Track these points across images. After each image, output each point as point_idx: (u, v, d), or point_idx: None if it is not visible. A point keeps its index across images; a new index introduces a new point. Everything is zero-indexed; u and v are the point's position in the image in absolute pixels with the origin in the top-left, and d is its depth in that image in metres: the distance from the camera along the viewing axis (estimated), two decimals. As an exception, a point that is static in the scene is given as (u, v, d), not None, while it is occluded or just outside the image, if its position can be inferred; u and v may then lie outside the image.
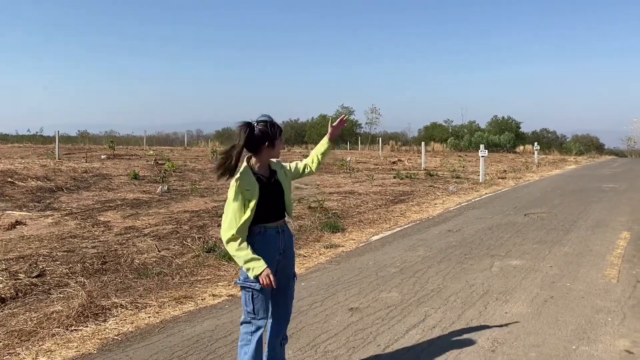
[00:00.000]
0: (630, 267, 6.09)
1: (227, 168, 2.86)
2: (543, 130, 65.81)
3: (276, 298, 3.12)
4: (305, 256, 6.89)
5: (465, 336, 4.10)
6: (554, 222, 9.26)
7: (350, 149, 48.55)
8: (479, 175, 19.07)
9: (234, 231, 2.85)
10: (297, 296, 5.04)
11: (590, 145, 58.24)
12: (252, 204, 2.88)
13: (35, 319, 4.57)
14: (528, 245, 7.30)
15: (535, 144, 29.77)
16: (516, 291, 5.23)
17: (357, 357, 3.73)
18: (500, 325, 4.30)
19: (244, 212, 2.89)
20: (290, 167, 3.24)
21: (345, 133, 57.64)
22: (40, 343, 4.03)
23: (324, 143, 3.29)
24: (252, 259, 2.85)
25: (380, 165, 27.43)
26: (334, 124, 3.26)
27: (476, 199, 12.92)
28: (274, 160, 3.10)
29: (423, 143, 27.40)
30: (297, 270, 6.49)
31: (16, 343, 4.03)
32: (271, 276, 2.83)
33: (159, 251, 7.57)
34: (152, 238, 8.48)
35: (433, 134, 60.19)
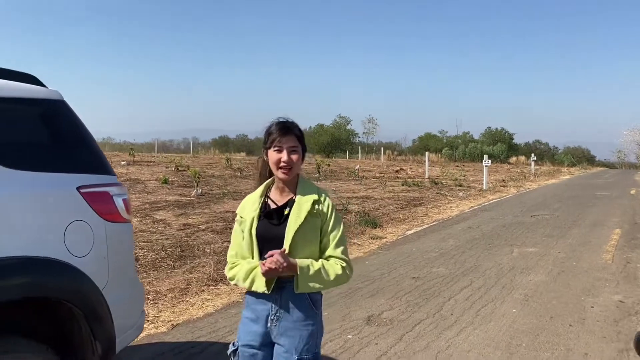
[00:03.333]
0: (621, 253, 7.71)
1: (260, 183, 2.31)
2: (536, 142, 68.01)
3: None
4: (359, 244, 8.46)
5: (504, 292, 5.69)
6: (557, 221, 10.90)
7: (349, 158, 50.05)
8: (480, 183, 20.73)
9: (227, 267, 2.28)
10: (368, 269, 6.61)
11: (581, 157, 60.26)
12: (240, 239, 2.23)
13: (180, 281, 6.08)
14: (538, 238, 8.92)
15: (532, 155, 31.57)
16: (535, 267, 6.82)
17: (431, 304, 5.29)
18: (528, 287, 5.89)
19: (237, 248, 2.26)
20: (327, 213, 2.20)
21: (343, 142, 59.23)
22: (198, 295, 5.56)
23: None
24: (245, 275, 2.18)
25: (385, 173, 28.98)
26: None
27: (485, 203, 14.58)
28: (313, 183, 2.32)
29: (427, 153, 29.09)
30: (357, 254, 8.10)
31: (180, 295, 5.55)
32: (275, 259, 2.05)
33: (222, 242, 9.07)
34: (211, 232, 9.96)
35: (428, 144, 61.66)
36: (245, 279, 2.18)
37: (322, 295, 2.25)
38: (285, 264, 2.05)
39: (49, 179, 2.47)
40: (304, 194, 2.19)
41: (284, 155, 2.12)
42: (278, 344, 2.16)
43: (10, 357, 2.21)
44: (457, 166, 37.48)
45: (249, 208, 2.22)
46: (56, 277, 2.36)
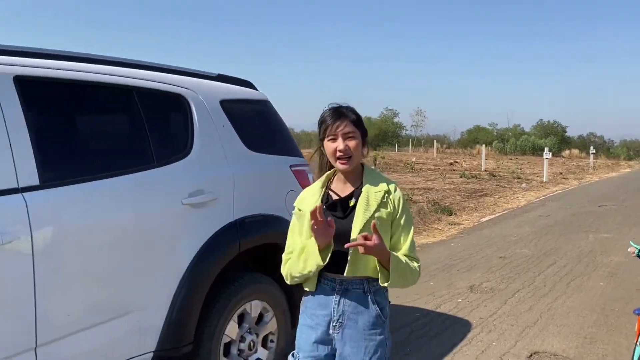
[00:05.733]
0: (695, 240, 8.12)
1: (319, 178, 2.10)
2: (590, 135, 66.36)
3: None
4: (440, 229, 9.17)
5: (588, 269, 6.30)
6: (625, 211, 11.27)
7: (398, 151, 50.21)
8: (538, 176, 20.94)
9: (282, 266, 2.04)
10: (455, 250, 7.30)
11: (639, 151, 58.35)
12: (297, 235, 2.03)
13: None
14: (611, 226, 9.39)
15: (592, 148, 31.32)
16: (613, 250, 7.37)
17: (523, 277, 5.96)
18: (610, 265, 6.48)
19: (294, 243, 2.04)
20: (398, 207, 1.97)
21: (390, 135, 59.48)
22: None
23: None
24: (299, 259, 1.94)
25: (440, 166, 29.35)
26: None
27: (550, 194, 14.98)
28: (381, 173, 2.06)
29: (483, 146, 29.34)
30: (440, 237, 8.86)
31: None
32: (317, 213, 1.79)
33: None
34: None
35: (477, 137, 60.95)
36: (297, 263, 1.92)
37: (389, 302, 2.04)
38: (377, 242, 1.78)
39: (275, 160, 3.32)
40: (372, 184, 1.95)
41: (339, 144, 1.89)
42: (342, 354, 1.94)
43: (259, 286, 3.07)
44: (511, 159, 37.34)
45: (308, 200, 1.99)
46: (285, 229, 3.20)
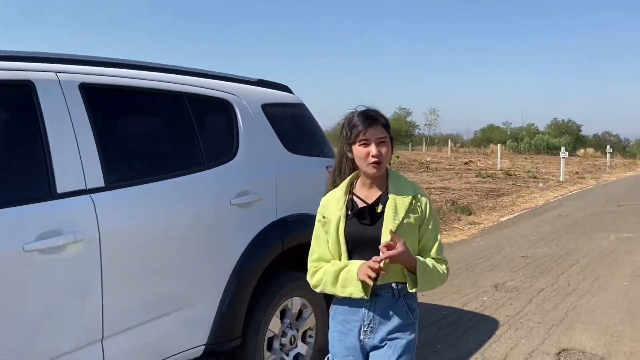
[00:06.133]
0: None
1: (333, 182, 2.11)
2: (605, 134, 65.67)
3: None
4: (460, 229, 9.24)
5: (611, 269, 6.34)
6: (645, 211, 11.26)
7: (411, 150, 50.06)
8: (553, 175, 20.87)
9: (309, 274, 2.08)
10: (477, 249, 7.37)
11: (656, 150, 57.58)
12: (323, 241, 2.04)
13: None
14: (632, 225, 9.41)
15: (609, 147, 31.13)
16: (635, 249, 7.40)
17: (547, 277, 6.03)
18: (633, 265, 6.52)
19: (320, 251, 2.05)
20: (425, 211, 1.99)
21: (403, 134, 59.35)
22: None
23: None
24: (337, 278, 1.95)
25: (455, 165, 29.30)
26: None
27: (568, 194, 14.96)
28: (406, 177, 2.08)
29: (499, 145, 29.26)
30: (461, 236, 8.95)
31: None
32: (372, 265, 1.81)
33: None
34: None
35: (490, 136, 60.62)
36: (334, 283, 1.94)
37: (418, 304, 2.06)
38: (401, 249, 1.80)
39: (312, 161, 3.44)
40: (398, 189, 1.96)
41: (372, 149, 1.89)
42: (374, 355, 1.98)
43: (299, 283, 3.18)
44: (526, 158, 37.16)
45: (333, 206, 1.99)
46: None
